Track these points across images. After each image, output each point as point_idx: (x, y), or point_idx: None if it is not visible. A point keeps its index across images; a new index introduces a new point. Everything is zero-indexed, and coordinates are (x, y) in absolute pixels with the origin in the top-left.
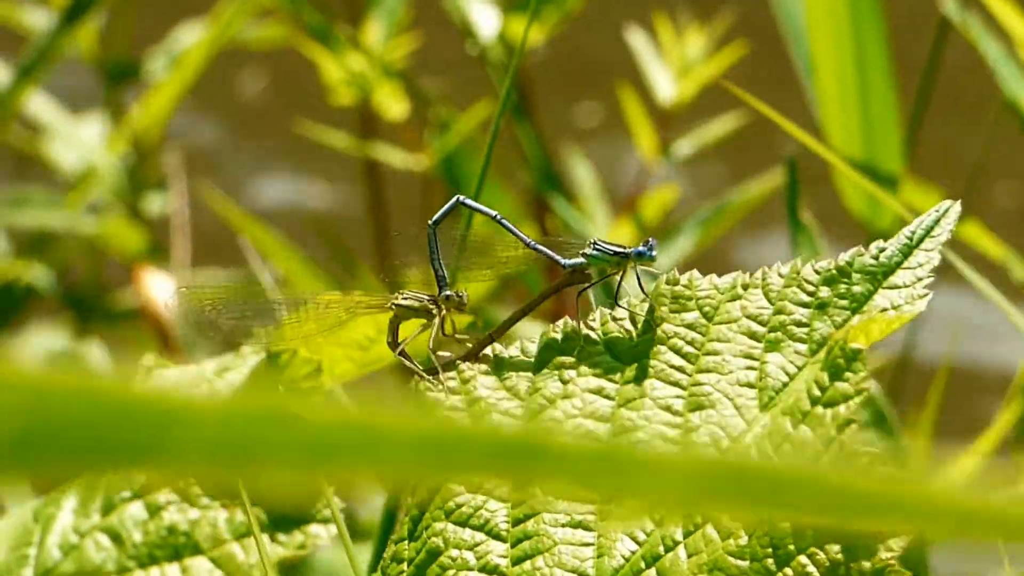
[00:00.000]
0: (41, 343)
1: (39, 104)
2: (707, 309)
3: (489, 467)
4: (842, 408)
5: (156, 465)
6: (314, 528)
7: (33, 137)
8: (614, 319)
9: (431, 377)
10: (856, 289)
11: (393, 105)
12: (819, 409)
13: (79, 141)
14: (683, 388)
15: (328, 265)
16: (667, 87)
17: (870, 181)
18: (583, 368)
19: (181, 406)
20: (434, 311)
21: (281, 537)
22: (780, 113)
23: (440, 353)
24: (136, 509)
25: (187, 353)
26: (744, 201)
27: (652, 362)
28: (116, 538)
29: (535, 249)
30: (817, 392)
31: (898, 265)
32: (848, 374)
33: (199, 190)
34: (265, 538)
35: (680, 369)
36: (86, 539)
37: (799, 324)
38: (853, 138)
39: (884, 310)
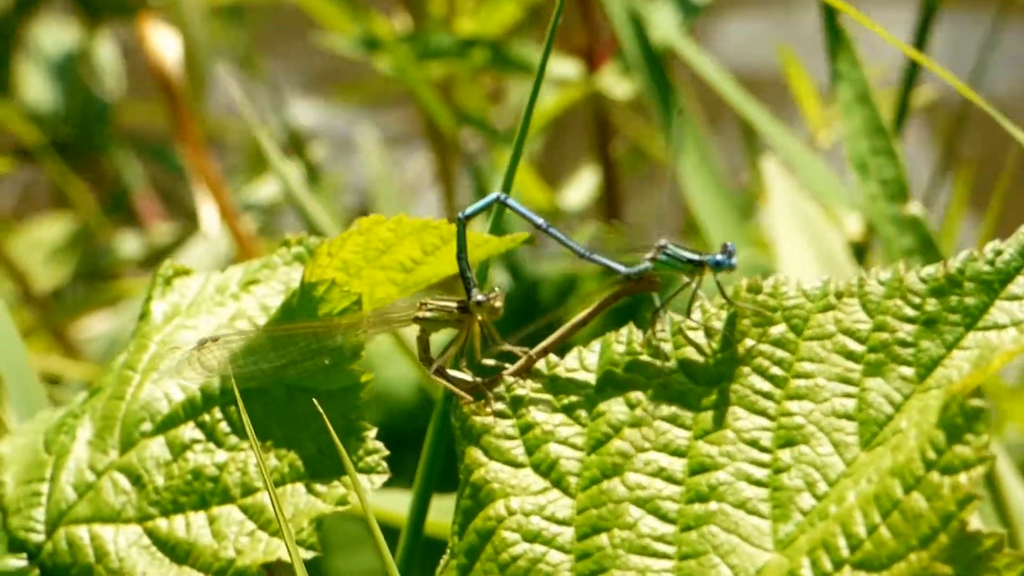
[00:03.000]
0: (52, 37)
1: None
2: (795, 321)
3: None
4: (962, 477)
5: None
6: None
7: None
8: (687, 333)
9: (475, 397)
10: (969, 301)
11: None
12: (935, 475)
13: None
14: (770, 418)
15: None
16: None
17: None
18: (653, 390)
19: None
20: (465, 320)
21: (319, 488)
22: None
23: (486, 361)
24: (158, 447)
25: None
26: None
27: (734, 386)
28: (136, 480)
29: (590, 260)
30: (932, 454)
31: (1017, 271)
32: (969, 436)
33: None
34: (301, 488)
35: (767, 395)
36: (103, 479)
37: (904, 344)
38: None
39: (1002, 327)
